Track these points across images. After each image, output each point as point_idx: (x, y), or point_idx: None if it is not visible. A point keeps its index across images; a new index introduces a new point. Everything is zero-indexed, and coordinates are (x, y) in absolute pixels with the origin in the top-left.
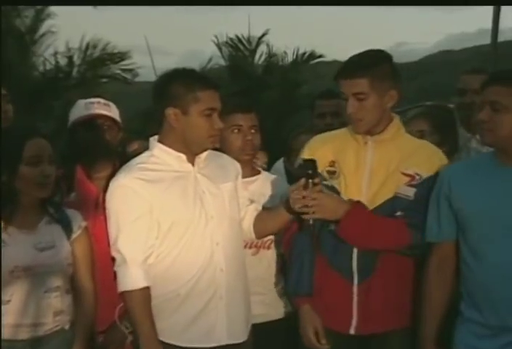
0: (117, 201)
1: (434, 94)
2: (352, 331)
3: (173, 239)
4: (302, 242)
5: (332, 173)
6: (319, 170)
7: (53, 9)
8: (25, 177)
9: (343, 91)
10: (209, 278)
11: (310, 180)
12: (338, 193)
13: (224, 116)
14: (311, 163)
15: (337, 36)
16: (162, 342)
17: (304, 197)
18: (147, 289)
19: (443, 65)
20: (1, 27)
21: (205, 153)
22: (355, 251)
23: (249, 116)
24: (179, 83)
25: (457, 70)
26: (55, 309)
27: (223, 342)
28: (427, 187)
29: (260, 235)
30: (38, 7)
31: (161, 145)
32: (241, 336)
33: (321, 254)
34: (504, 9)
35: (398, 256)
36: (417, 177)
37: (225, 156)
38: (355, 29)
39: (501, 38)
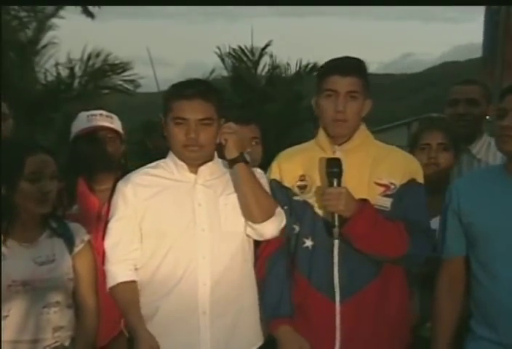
0: (112, 200)
1: (441, 105)
2: None
3: (154, 248)
4: (279, 263)
5: (302, 187)
6: (290, 185)
7: (55, 20)
8: (24, 192)
9: (335, 88)
10: (190, 291)
11: (335, 179)
12: (312, 207)
13: None
14: (337, 162)
15: (340, 48)
16: None
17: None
18: (128, 283)
19: (450, 75)
20: (1, 29)
21: (217, 164)
22: (336, 266)
23: (249, 128)
24: (164, 94)
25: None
26: (55, 325)
27: None
28: (402, 195)
29: (249, 214)
30: (40, 18)
31: (172, 154)
32: None
33: (298, 273)
34: None
35: (387, 272)
36: (392, 187)
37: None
38: (358, 40)
39: None
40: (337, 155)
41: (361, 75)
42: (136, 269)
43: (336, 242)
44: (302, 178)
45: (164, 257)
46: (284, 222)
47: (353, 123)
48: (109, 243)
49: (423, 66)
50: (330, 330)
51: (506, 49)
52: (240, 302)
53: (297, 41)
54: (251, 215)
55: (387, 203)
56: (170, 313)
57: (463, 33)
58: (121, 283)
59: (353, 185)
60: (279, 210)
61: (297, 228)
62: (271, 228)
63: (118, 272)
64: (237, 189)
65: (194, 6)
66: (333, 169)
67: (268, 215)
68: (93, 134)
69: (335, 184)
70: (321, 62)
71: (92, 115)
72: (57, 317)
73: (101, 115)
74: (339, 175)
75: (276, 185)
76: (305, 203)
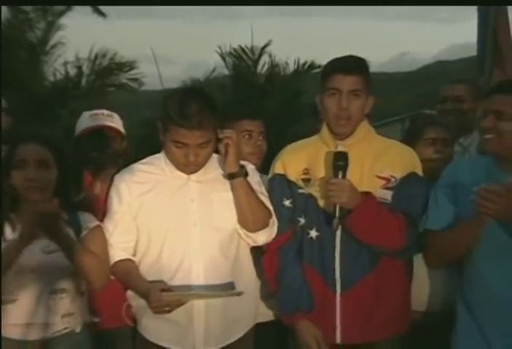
0: (109, 194)
1: (435, 101)
2: (338, 341)
3: (149, 241)
4: (290, 255)
5: (306, 181)
6: (294, 179)
7: (63, 21)
8: (13, 179)
9: (338, 86)
10: (185, 282)
11: (341, 171)
12: (316, 199)
13: (234, 122)
14: (343, 155)
15: (338, 47)
16: (147, 341)
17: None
18: (123, 260)
19: (444, 73)
20: (1, 29)
21: (212, 160)
22: (337, 256)
23: (258, 123)
24: (168, 102)
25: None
26: (64, 311)
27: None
28: (402, 188)
29: (243, 223)
30: (49, 19)
31: (166, 158)
32: (219, 342)
33: (305, 263)
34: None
35: (387, 264)
36: (393, 180)
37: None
38: (356, 40)
39: None
40: (340, 149)
41: (364, 73)
42: (133, 255)
43: (338, 233)
44: (306, 172)
45: (160, 250)
46: (275, 231)
47: (357, 121)
48: (108, 229)
49: (419, 64)
50: (331, 319)
51: (496, 48)
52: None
53: (296, 41)
54: (246, 225)
55: (388, 195)
56: None
57: (457, 33)
58: (117, 261)
59: (355, 178)
60: (273, 220)
61: (302, 220)
62: (264, 237)
63: (113, 254)
64: (234, 199)
65: (196, 7)
66: (339, 161)
67: (263, 226)
68: (95, 133)
69: (340, 176)
70: (319, 60)
71: (95, 114)
72: (65, 303)
73: (102, 114)
74: (344, 168)
75: (281, 179)
76: (310, 195)
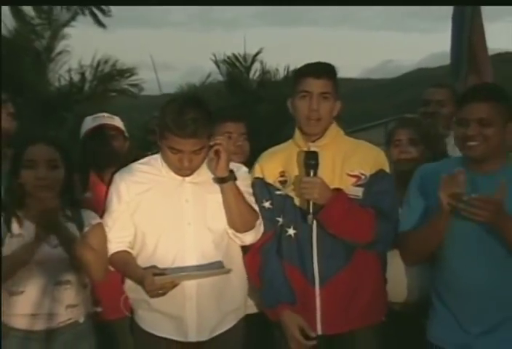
0: (108, 191)
1: (417, 105)
2: (319, 332)
3: (145, 239)
4: (271, 252)
5: (283, 182)
6: (271, 181)
7: (67, 30)
8: (23, 178)
9: (309, 89)
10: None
11: (312, 170)
12: (292, 199)
13: (217, 125)
14: (314, 154)
15: (326, 55)
16: (143, 331)
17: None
18: (119, 252)
19: (425, 79)
20: (0, 28)
21: (205, 163)
22: (315, 252)
23: (240, 125)
24: (166, 110)
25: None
26: (68, 302)
27: (192, 339)
28: (372, 184)
29: (232, 225)
30: (54, 29)
31: (162, 160)
32: (211, 332)
33: (285, 260)
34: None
35: (361, 258)
36: (363, 177)
37: (236, 169)
38: (344, 48)
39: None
40: (310, 149)
41: (332, 77)
42: (130, 248)
43: (314, 229)
44: (282, 174)
45: (155, 247)
46: (261, 232)
47: (326, 122)
48: (106, 223)
49: (402, 71)
50: (312, 312)
51: (471, 55)
52: (225, 286)
53: (286, 49)
54: (234, 226)
55: (359, 192)
56: (161, 300)
57: (436, 43)
58: (114, 253)
59: (327, 177)
60: (259, 221)
61: (280, 220)
62: (251, 237)
63: (111, 247)
64: (224, 202)
65: (193, 17)
66: (310, 160)
67: (250, 227)
68: (98, 131)
69: (312, 174)
70: None
71: (97, 117)
72: (69, 294)
73: (103, 116)
74: (315, 167)
75: (260, 183)
76: (287, 196)
